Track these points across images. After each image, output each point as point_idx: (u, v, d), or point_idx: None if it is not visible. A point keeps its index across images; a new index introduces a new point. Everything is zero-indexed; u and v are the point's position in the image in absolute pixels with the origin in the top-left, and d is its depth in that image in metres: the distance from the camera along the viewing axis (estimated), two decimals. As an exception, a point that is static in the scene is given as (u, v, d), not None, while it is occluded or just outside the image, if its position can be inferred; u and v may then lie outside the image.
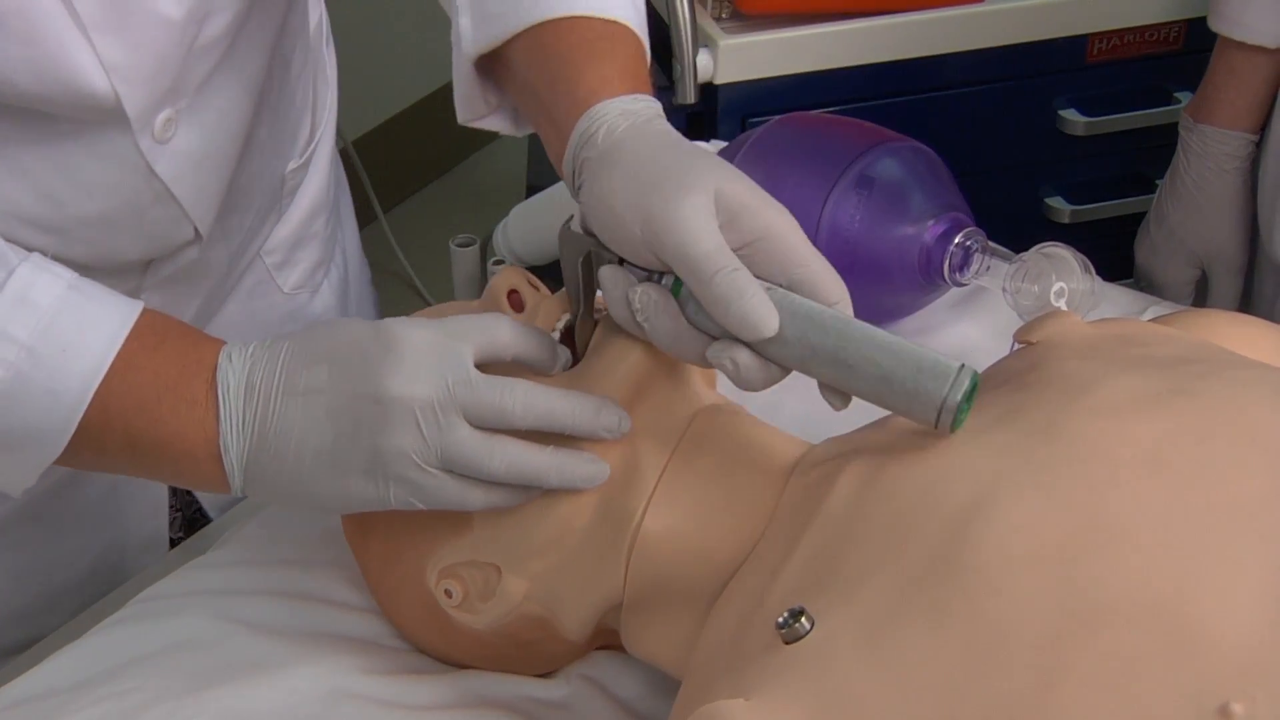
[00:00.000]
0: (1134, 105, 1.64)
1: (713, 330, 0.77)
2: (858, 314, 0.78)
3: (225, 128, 0.98)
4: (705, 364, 0.78)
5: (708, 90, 1.50)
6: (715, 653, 0.76)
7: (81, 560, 1.12)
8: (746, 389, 0.78)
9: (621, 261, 0.80)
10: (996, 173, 1.64)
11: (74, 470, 1.05)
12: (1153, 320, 0.91)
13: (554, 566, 0.83)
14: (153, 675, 0.87)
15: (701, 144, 1.18)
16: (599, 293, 0.82)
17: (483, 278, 1.48)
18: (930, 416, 0.74)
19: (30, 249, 0.83)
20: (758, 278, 0.76)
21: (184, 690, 0.85)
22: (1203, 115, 1.33)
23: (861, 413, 0.88)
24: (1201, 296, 1.39)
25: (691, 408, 0.85)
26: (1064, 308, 1.07)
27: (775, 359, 0.77)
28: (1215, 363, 0.79)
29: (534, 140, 1.45)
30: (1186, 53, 1.61)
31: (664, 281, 0.78)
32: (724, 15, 1.51)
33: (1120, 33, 1.60)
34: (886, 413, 0.82)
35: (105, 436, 0.80)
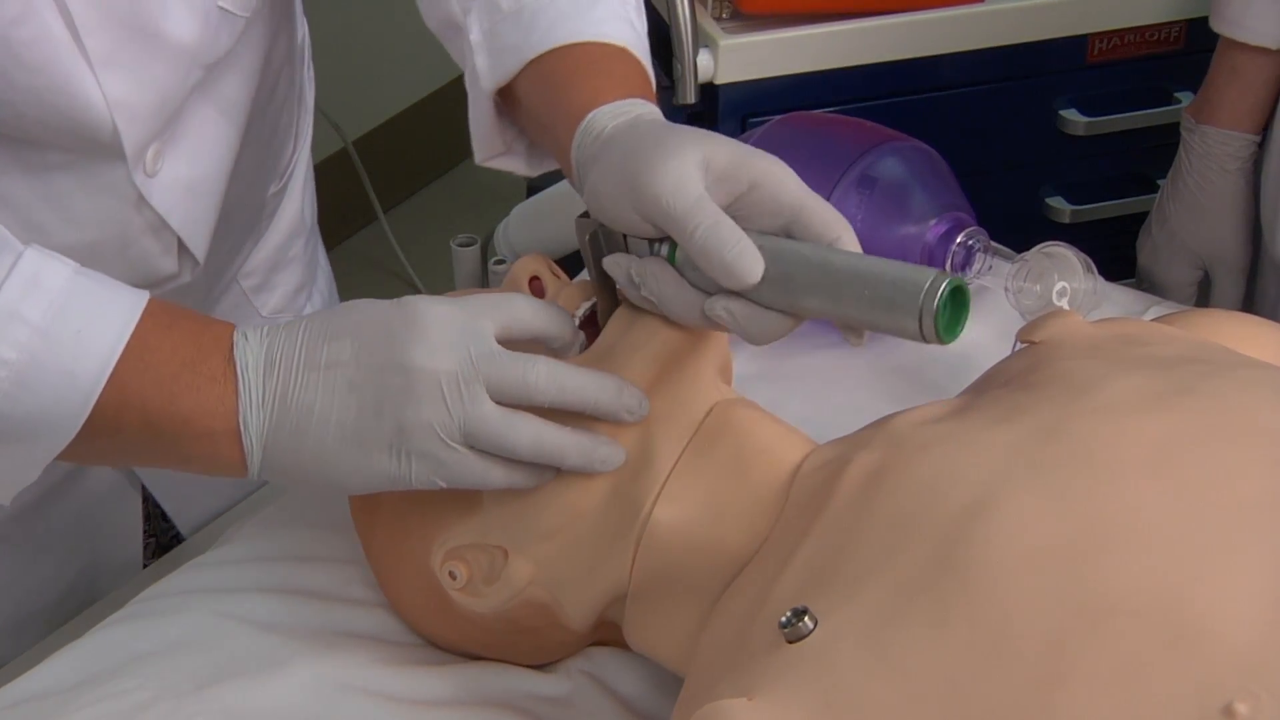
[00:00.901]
0: (1134, 105, 1.63)
1: (710, 288, 0.78)
2: None
3: (211, 155, 0.98)
4: (707, 323, 0.78)
5: (708, 90, 1.50)
6: (718, 651, 0.76)
7: (55, 585, 1.11)
8: (751, 341, 0.78)
9: (625, 239, 0.80)
10: (997, 173, 1.63)
11: (47, 493, 1.05)
12: (1155, 320, 0.91)
13: (561, 551, 0.83)
14: (153, 674, 0.87)
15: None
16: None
17: (484, 277, 1.48)
18: (914, 327, 0.72)
19: None
20: (758, 229, 0.77)
21: (185, 689, 0.85)
22: (1204, 116, 1.32)
23: (862, 413, 0.88)
24: (1204, 298, 1.39)
25: (708, 400, 0.85)
26: (1066, 307, 1.07)
27: (768, 303, 0.77)
28: (1218, 362, 0.78)
29: (534, 140, 1.45)
30: (1187, 53, 1.60)
31: (662, 251, 0.79)
32: (724, 15, 1.51)
33: (1121, 33, 1.60)
34: (888, 413, 0.82)
35: (122, 417, 0.79)
